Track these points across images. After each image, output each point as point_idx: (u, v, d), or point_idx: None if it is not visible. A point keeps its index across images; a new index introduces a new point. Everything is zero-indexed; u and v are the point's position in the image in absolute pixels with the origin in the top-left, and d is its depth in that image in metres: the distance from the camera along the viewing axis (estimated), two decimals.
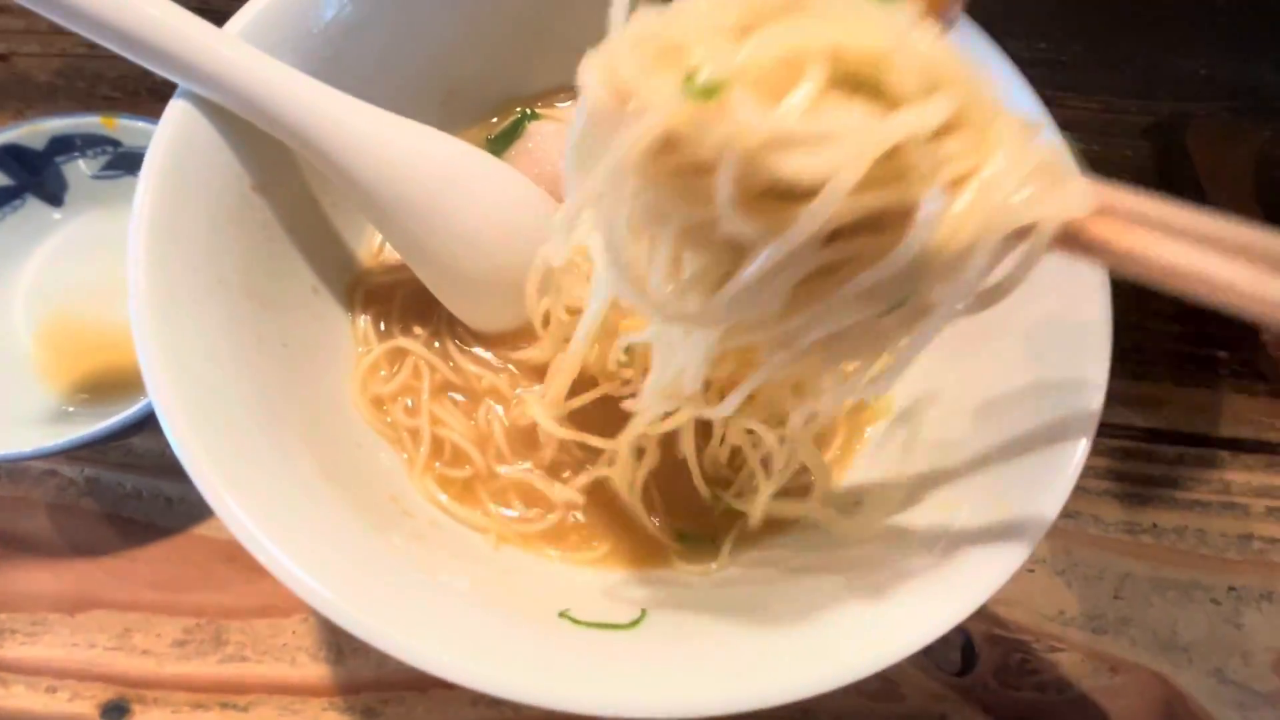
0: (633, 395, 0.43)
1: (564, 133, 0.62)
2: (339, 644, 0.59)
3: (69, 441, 0.54)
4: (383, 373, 0.54)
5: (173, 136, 0.43)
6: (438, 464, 0.52)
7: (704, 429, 0.48)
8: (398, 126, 0.48)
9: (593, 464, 0.51)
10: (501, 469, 0.52)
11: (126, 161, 0.65)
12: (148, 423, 0.55)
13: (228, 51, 0.43)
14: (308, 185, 0.53)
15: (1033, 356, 0.47)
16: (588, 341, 0.46)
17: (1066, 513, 0.45)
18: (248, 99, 0.43)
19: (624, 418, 0.44)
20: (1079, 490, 0.42)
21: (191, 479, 0.37)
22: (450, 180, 0.49)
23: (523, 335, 0.56)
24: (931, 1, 0.33)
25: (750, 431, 0.46)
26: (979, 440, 0.48)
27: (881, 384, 0.37)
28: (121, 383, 0.63)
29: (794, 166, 0.26)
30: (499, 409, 0.54)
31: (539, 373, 0.54)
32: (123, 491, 0.63)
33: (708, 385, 0.43)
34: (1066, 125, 0.48)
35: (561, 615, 0.41)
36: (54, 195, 0.66)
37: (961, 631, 0.63)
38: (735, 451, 0.49)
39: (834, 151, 0.26)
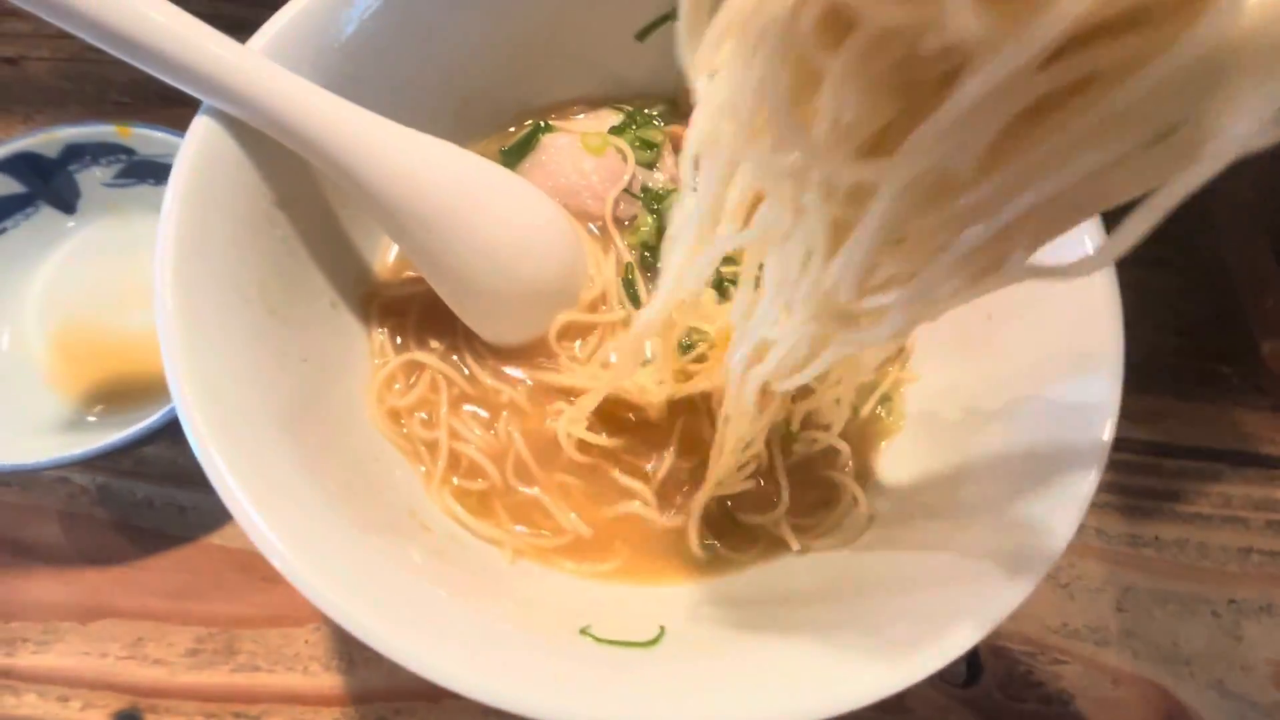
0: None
1: (577, 145, 0.62)
2: (351, 654, 0.59)
3: (85, 453, 0.54)
4: (398, 386, 0.54)
5: (197, 153, 0.43)
6: (455, 478, 0.52)
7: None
8: (417, 142, 0.48)
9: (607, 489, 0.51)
10: (517, 486, 0.52)
11: (140, 170, 0.65)
12: (161, 433, 0.55)
13: (252, 69, 0.43)
14: (326, 200, 0.53)
15: (1043, 382, 0.48)
16: (663, 308, 0.41)
17: None
18: (272, 116, 0.43)
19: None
20: None
21: (219, 495, 0.37)
22: (468, 196, 0.50)
23: (538, 349, 0.56)
24: None
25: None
26: (990, 460, 0.48)
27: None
28: (133, 391, 0.64)
29: None
30: (519, 423, 0.54)
31: (561, 391, 0.55)
32: (134, 500, 0.63)
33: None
34: None
35: (583, 632, 0.41)
36: (67, 203, 0.66)
37: None
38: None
39: None
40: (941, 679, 0.62)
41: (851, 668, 0.40)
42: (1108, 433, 0.43)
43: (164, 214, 0.41)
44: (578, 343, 0.57)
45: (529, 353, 0.56)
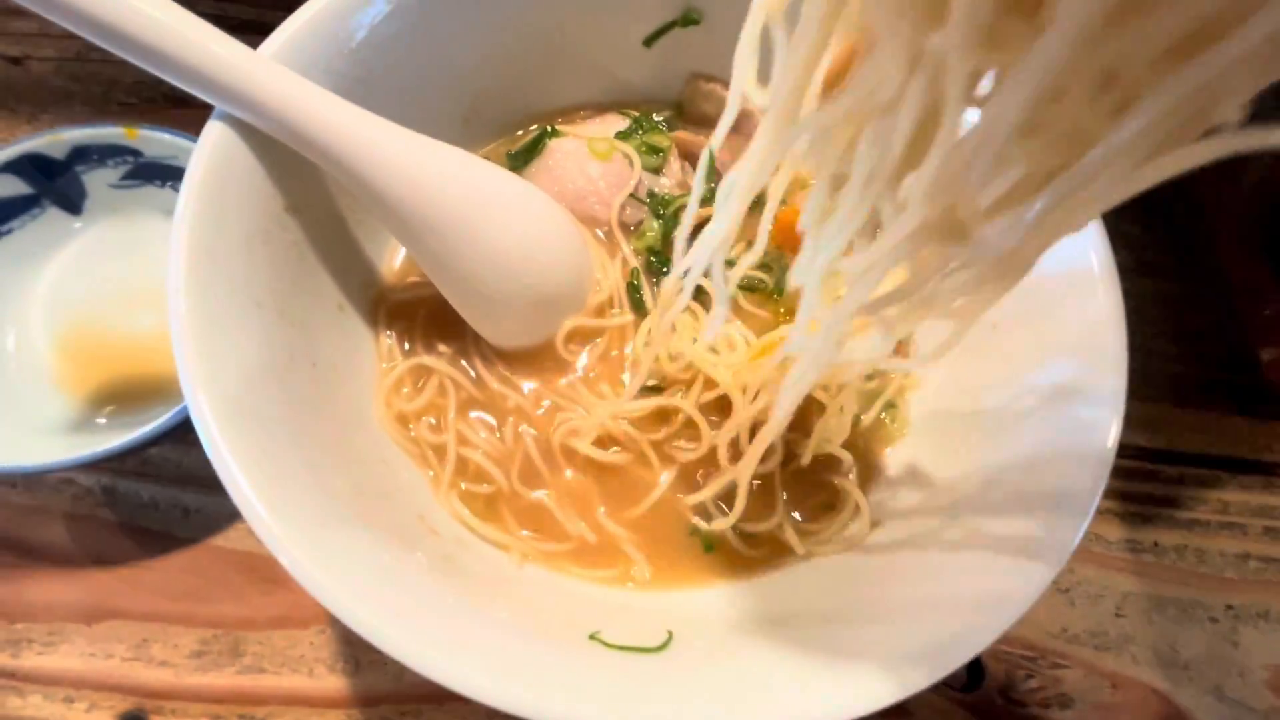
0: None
1: (583, 150, 0.62)
2: (356, 656, 0.60)
3: (92, 455, 0.54)
4: (406, 390, 0.55)
5: (210, 159, 0.43)
6: (463, 482, 0.52)
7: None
8: (429, 149, 0.48)
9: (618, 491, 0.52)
10: (524, 491, 0.53)
11: (147, 171, 0.65)
12: (167, 435, 0.55)
13: (264, 75, 0.43)
14: (335, 204, 0.53)
15: (1048, 390, 0.48)
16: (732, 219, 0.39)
17: None
18: (285, 122, 0.44)
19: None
20: None
21: (232, 499, 0.37)
22: (479, 203, 0.50)
23: (546, 353, 0.56)
24: None
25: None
26: (994, 468, 0.49)
27: None
28: (139, 392, 0.64)
29: None
30: (526, 428, 0.54)
31: (568, 396, 0.55)
32: (140, 501, 0.63)
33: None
34: None
35: (592, 638, 0.41)
36: (73, 204, 0.66)
37: None
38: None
39: None
40: (943, 683, 0.62)
41: (858, 674, 0.40)
42: (1112, 442, 0.44)
43: (177, 218, 0.41)
44: (587, 346, 0.58)
45: (537, 357, 0.57)
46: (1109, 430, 0.44)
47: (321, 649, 0.60)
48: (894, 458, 0.55)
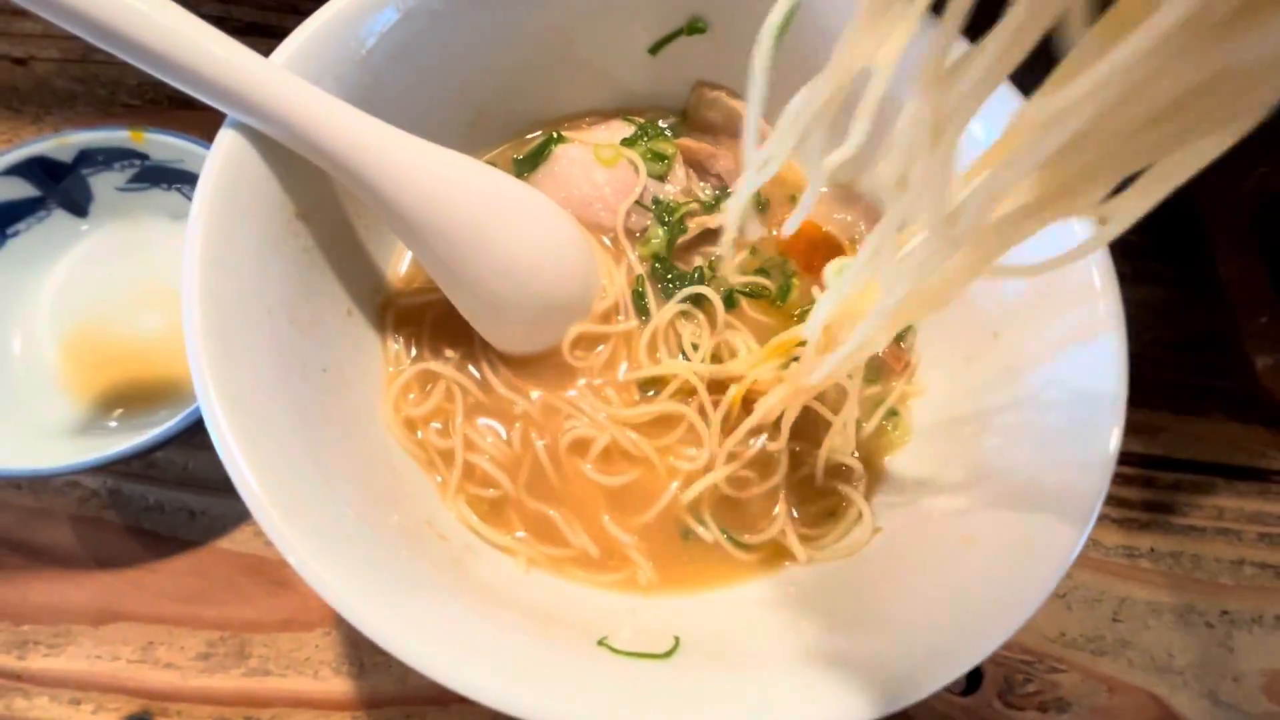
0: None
1: (589, 156, 0.63)
2: (361, 659, 0.60)
3: (100, 458, 0.54)
4: (413, 395, 0.55)
5: (223, 167, 0.44)
6: (470, 487, 0.53)
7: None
8: (439, 158, 0.49)
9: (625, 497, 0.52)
10: (530, 498, 0.53)
11: (153, 175, 0.66)
12: (174, 439, 0.56)
13: (277, 84, 0.43)
14: (343, 210, 0.53)
15: (1048, 398, 0.49)
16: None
17: None
18: (297, 131, 0.44)
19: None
20: None
21: (247, 505, 0.37)
22: (488, 211, 0.50)
23: (552, 359, 0.57)
24: None
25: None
26: (995, 475, 0.49)
27: None
28: (143, 395, 0.64)
29: None
30: (533, 434, 0.55)
31: (573, 402, 0.56)
32: (145, 504, 0.63)
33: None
34: None
35: (600, 643, 0.42)
36: (79, 206, 0.66)
37: None
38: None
39: None
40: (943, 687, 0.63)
41: (861, 681, 0.41)
42: (1113, 450, 0.44)
43: (191, 226, 0.42)
44: (592, 352, 0.58)
45: (543, 362, 0.57)
46: (1110, 438, 0.45)
47: (327, 651, 0.60)
48: (896, 465, 0.56)
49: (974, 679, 0.64)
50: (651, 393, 0.57)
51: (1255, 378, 0.74)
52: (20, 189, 0.63)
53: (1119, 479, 0.72)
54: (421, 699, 0.59)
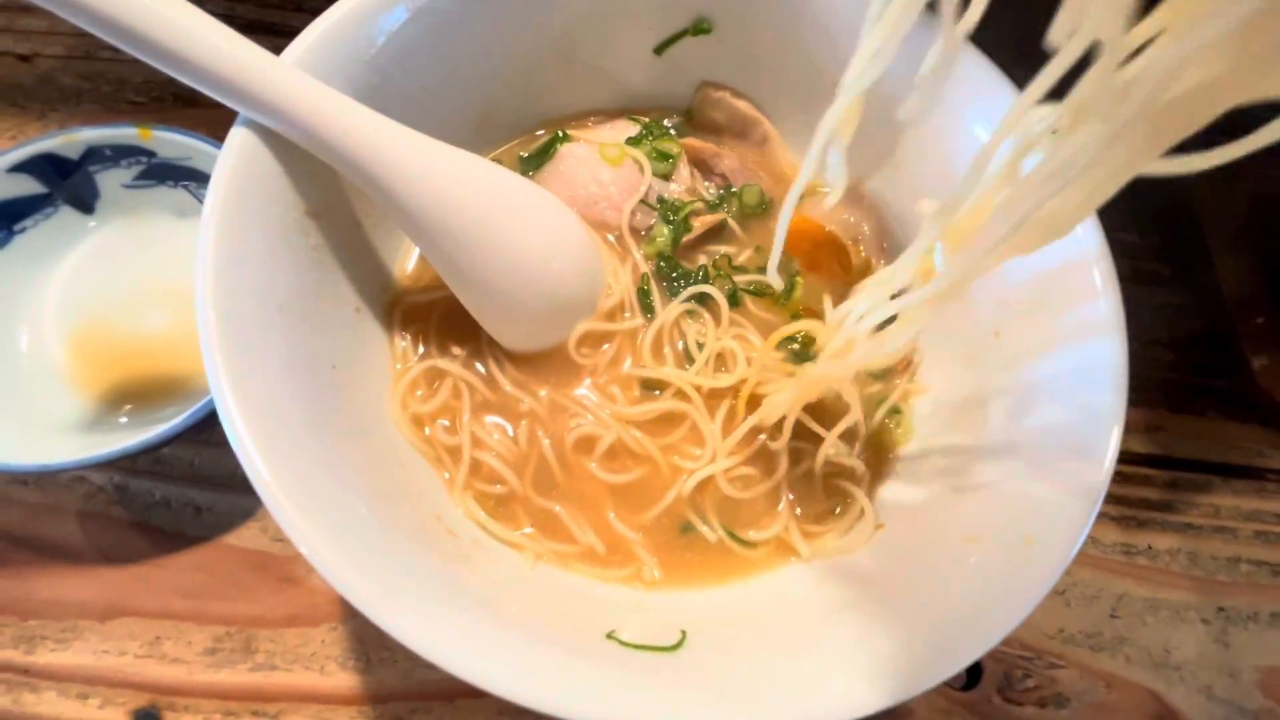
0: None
1: (595, 156, 0.63)
2: (367, 654, 0.60)
3: (106, 454, 0.55)
4: (420, 392, 0.55)
5: (235, 166, 0.44)
6: (477, 483, 0.53)
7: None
8: (449, 157, 0.49)
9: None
10: (537, 495, 0.54)
11: (160, 172, 0.66)
12: (181, 435, 0.56)
13: (289, 82, 0.44)
14: (351, 208, 0.54)
15: (1049, 397, 0.49)
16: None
17: None
18: (309, 130, 0.44)
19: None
20: None
21: (266, 505, 0.38)
22: (497, 210, 0.51)
23: (558, 356, 0.57)
24: None
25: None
26: (996, 473, 0.50)
27: None
28: (149, 391, 0.64)
29: None
30: (539, 432, 0.55)
31: (579, 400, 0.56)
32: (151, 500, 0.64)
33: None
34: None
35: (608, 637, 0.42)
36: (86, 203, 0.66)
37: None
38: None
39: None
40: (942, 682, 0.64)
41: (863, 674, 0.42)
42: (1113, 449, 0.45)
43: (204, 225, 0.42)
44: (598, 350, 0.59)
45: (549, 360, 0.57)
46: (1110, 437, 0.46)
47: (333, 646, 0.60)
48: (898, 462, 0.56)
49: (974, 674, 0.65)
50: (656, 391, 0.58)
51: (1251, 377, 0.75)
52: (27, 185, 0.63)
53: (1117, 477, 0.71)
54: (427, 694, 0.59)
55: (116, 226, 0.68)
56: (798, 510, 0.55)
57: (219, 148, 0.62)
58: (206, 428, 0.58)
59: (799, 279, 0.63)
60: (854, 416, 0.52)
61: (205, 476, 0.65)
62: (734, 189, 0.65)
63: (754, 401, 0.55)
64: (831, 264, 0.63)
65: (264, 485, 0.38)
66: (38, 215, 0.64)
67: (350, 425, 0.48)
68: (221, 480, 0.65)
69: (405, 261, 0.60)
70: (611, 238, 0.62)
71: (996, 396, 0.53)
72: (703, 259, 0.63)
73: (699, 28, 0.63)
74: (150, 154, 0.65)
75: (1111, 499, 0.72)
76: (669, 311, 0.59)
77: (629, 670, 0.41)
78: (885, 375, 0.59)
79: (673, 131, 0.67)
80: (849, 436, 0.55)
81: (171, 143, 0.64)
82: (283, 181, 0.46)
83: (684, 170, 0.65)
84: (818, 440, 0.55)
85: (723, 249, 0.64)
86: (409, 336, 0.57)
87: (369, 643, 0.60)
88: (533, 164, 0.65)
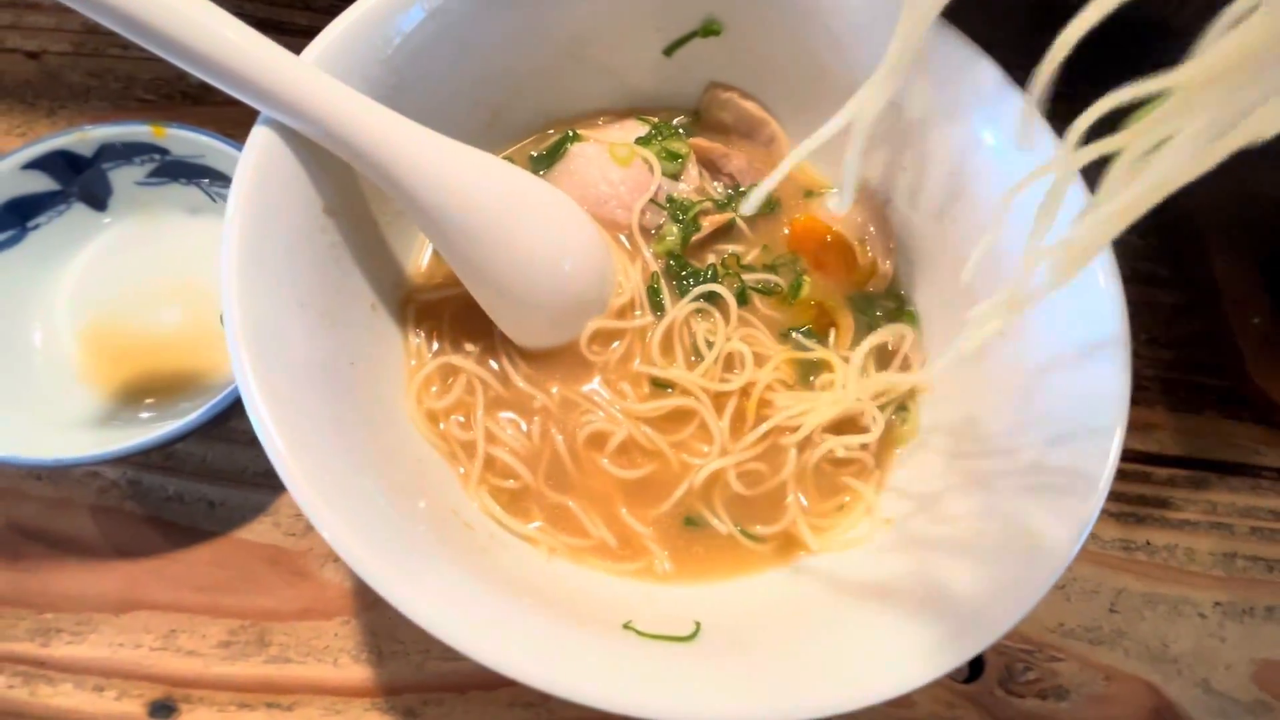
0: None
1: (605, 155, 0.64)
2: (380, 646, 0.61)
3: (122, 449, 0.55)
4: (435, 388, 0.56)
5: (256, 164, 0.45)
6: (491, 478, 0.54)
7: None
8: (466, 156, 0.50)
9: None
10: (549, 490, 0.54)
11: (173, 169, 0.66)
12: (196, 431, 0.57)
13: (311, 82, 0.44)
14: (367, 205, 0.54)
15: (1054, 395, 0.50)
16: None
17: None
18: (330, 129, 0.45)
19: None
20: None
21: (295, 499, 0.39)
22: (512, 209, 0.52)
23: (570, 353, 0.58)
24: None
25: None
26: (1000, 470, 0.51)
27: None
28: (163, 388, 0.65)
29: None
30: (552, 428, 0.56)
31: (590, 397, 0.57)
32: (165, 495, 0.64)
33: None
34: None
35: (625, 627, 0.43)
36: (99, 200, 0.67)
37: None
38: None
39: None
40: (946, 674, 0.65)
41: (871, 665, 0.43)
42: (1116, 448, 0.46)
43: (227, 223, 0.43)
44: (609, 347, 0.59)
45: (560, 357, 0.58)
46: (1113, 436, 0.47)
47: (346, 639, 0.61)
48: (905, 459, 0.58)
49: (976, 667, 0.66)
50: (668, 389, 0.58)
51: (1248, 376, 0.76)
52: (41, 182, 0.64)
53: (1116, 474, 0.73)
54: (439, 686, 0.60)
55: (129, 223, 0.68)
56: (805, 505, 0.56)
57: (232, 145, 0.63)
58: (219, 423, 0.58)
59: (806, 278, 0.64)
60: (874, 435, 0.53)
61: (217, 471, 0.65)
62: (741, 189, 0.66)
63: (763, 403, 0.56)
64: (838, 264, 0.64)
65: (291, 478, 0.39)
66: (51, 212, 0.65)
67: (369, 420, 0.49)
68: (233, 475, 0.65)
69: (419, 258, 0.61)
70: (622, 237, 0.63)
71: (1001, 395, 0.54)
72: (711, 258, 0.64)
73: (709, 29, 0.63)
74: (163, 151, 0.65)
75: (1110, 495, 0.71)
76: (679, 310, 0.60)
77: (650, 658, 0.42)
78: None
79: (681, 132, 0.68)
80: (856, 433, 0.56)
81: (185, 140, 0.64)
82: (303, 180, 0.47)
83: (692, 170, 0.66)
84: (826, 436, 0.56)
85: (731, 248, 0.65)
86: (423, 333, 0.58)
87: (381, 635, 0.61)
88: (544, 163, 0.65)
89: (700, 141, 0.67)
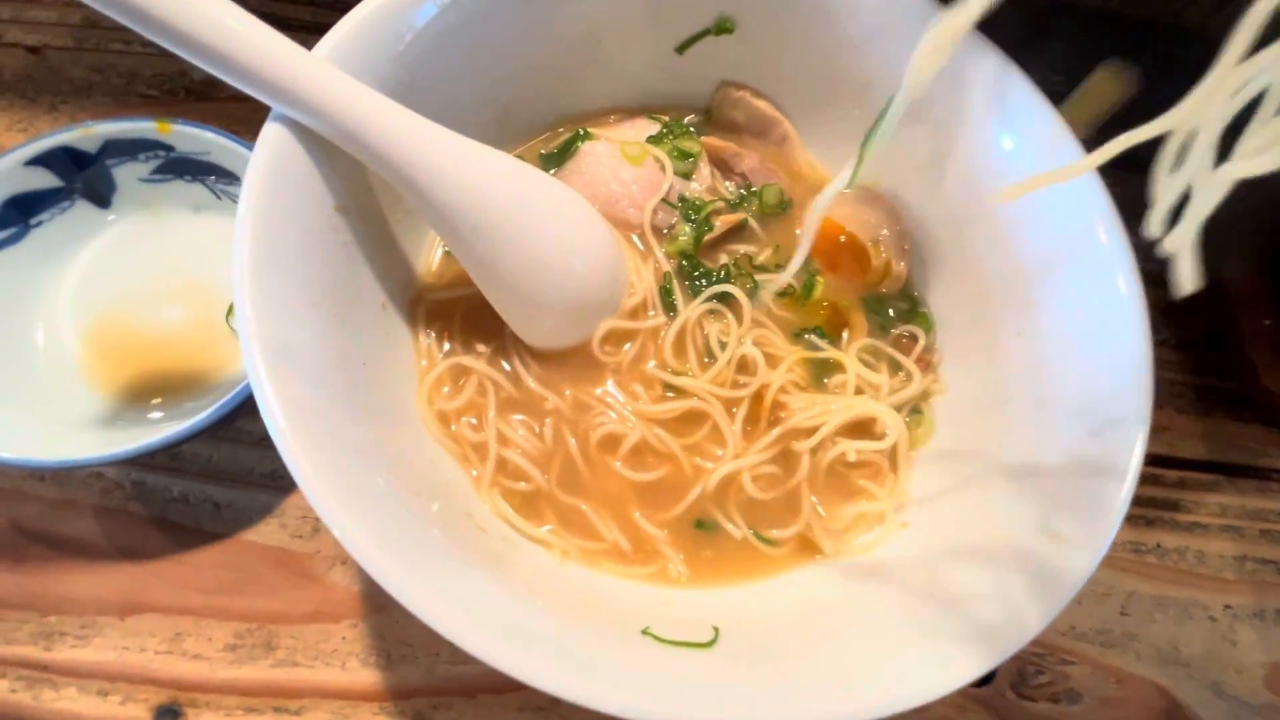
0: None
1: (616, 154, 0.63)
2: (388, 650, 0.60)
3: (127, 451, 0.54)
4: (446, 389, 0.56)
5: (268, 162, 0.44)
6: (503, 480, 0.53)
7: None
8: (479, 155, 0.49)
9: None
10: (562, 493, 0.54)
11: (177, 166, 0.66)
12: (202, 432, 0.56)
13: (324, 79, 0.44)
14: (378, 204, 0.54)
15: (1073, 398, 0.50)
16: None
17: None
18: (343, 126, 0.44)
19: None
20: None
21: (308, 499, 0.38)
22: (525, 209, 0.51)
23: (582, 353, 0.57)
24: None
25: None
26: (1018, 473, 0.51)
27: None
28: (166, 388, 0.64)
29: None
30: (564, 430, 0.55)
31: (602, 398, 0.57)
32: (170, 496, 0.63)
33: None
34: None
35: (644, 633, 0.43)
36: (102, 197, 0.66)
37: None
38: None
39: None
40: None
41: (890, 672, 0.42)
42: (1137, 452, 0.46)
43: (240, 221, 0.42)
44: (621, 348, 0.59)
45: (572, 357, 0.58)
46: (1135, 441, 0.46)
47: (354, 643, 0.60)
48: (920, 461, 0.57)
49: (988, 671, 0.65)
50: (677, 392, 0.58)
51: (1256, 379, 0.76)
52: (44, 179, 0.63)
53: None
54: (448, 690, 0.59)
55: (133, 221, 0.67)
56: (820, 509, 0.56)
57: (237, 142, 0.62)
58: (225, 424, 0.57)
59: (819, 279, 0.63)
60: (891, 441, 0.53)
61: (223, 472, 0.64)
62: (754, 188, 0.66)
63: (777, 405, 0.56)
64: (851, 265, 0.64)
65: (304, 477, 0.38)
66: (54, 209, 0.64)
67: (381, 422, 0.48)
68: (239, 476, 0.65)
69: (429, 258, 0.60)
70: (634, 236, 0.63)
71: (1019, 396, 0.53)
72: (724, 258, 0.63)
73: (721, 27, 0.63)
74: (168, 148, 0.64)
75: None
76: (691, 310, 0.59)
77: (672, 666, 0.41)
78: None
79: (692, 130, 0.67)
80: (872, 436, 0.55)
81: (190, 137, 0.64)
82: (314, 178, 0.46)
83: (704, 169, 0.66)
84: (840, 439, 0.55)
85: (743, 248, 0.64)
86: (433, 333, 0.57)
87: (390, 639, 0.60)
88: (554, 161, 0.65)
89: (712, 140, 0.66)
